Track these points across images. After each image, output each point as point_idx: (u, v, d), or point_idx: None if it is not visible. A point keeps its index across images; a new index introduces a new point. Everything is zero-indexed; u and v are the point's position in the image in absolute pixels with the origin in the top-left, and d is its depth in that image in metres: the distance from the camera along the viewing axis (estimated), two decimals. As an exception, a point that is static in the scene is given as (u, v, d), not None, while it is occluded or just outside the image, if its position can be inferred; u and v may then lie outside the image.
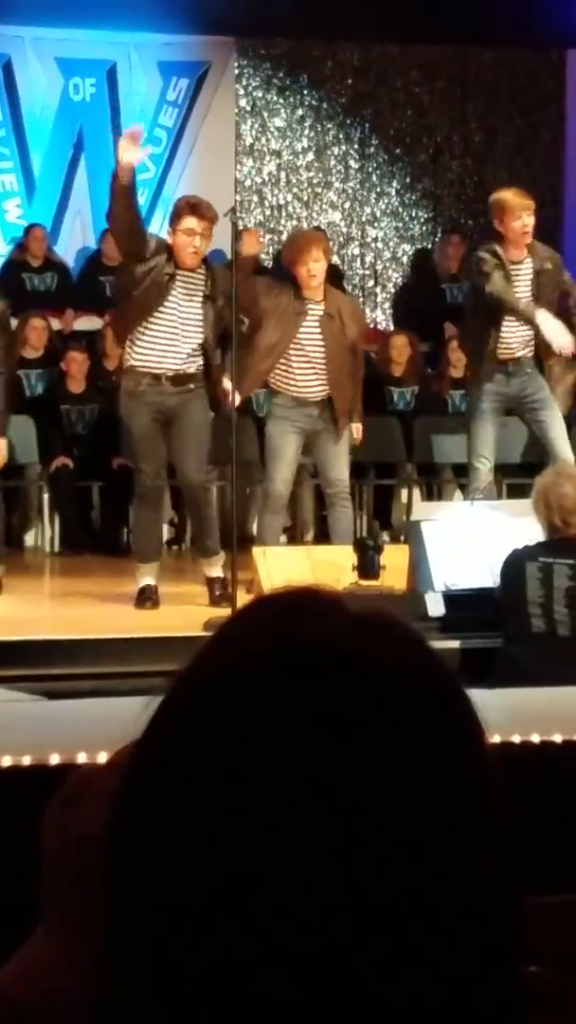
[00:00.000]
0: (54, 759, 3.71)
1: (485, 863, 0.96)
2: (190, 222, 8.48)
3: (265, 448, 9.23)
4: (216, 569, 8.81)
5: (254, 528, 10.91)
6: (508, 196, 9.32)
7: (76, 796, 1.18)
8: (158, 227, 14.30)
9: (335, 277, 13.60)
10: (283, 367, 9.00)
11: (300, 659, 0.96)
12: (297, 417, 8.98)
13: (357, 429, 9.21)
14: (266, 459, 9.27)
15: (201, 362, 8.66)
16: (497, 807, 0.98)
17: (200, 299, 8.58)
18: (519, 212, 9.15)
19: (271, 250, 14.73)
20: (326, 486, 9.27)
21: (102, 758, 3.48)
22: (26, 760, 3.75)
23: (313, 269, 8.94)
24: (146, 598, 8.73)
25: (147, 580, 8.78)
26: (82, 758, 3.66)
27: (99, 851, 0.98)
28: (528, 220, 9.16)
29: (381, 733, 0.94)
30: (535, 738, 3.92)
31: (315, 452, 9.22)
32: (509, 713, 3.97)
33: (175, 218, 8.59)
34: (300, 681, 0.95)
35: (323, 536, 10.10)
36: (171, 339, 8.56)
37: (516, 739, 3.86)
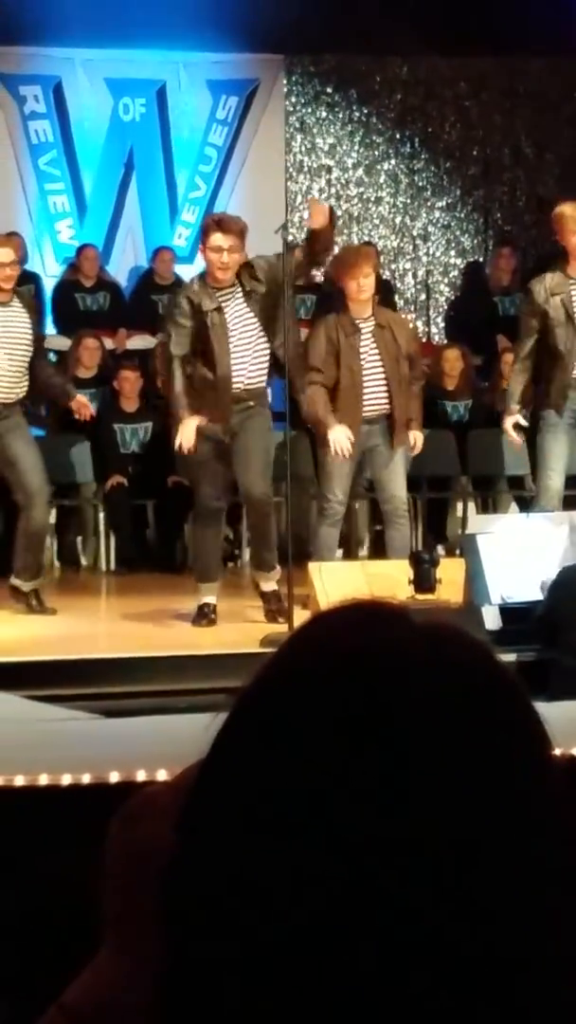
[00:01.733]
0: (113, 777, 3.70)
1: (546, 875, 0.95)
2: (216, 239, 8.55)
3: (321, 463, 9.23)
4: (271, 584, 8.82)
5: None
6: (567, 209, 9.24)
7: (139, 814, 1.18)
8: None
9: (386, 292, 13.61)
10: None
11: (366, 673, 0.95)
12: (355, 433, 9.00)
13: (417, 438, 9.18)
14: (321, 474, 9.28)
15: (264, 378, 8.68)
16: (560, 819, 0.97)
17: (245, 310, 8.60)
18: None
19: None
20: (383, 502, 9.24)
21: (161, 776, 3.48)
22: (85, 779, 3.74)
23: (363, 284, 8.99)
24: (204, 615, 8.75)
25: (208, 598, 8.80)
26: (141, 776, 3.66)
27: (161, 870, 0.98)
28: None
29: (450, 744, 0.93)
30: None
31: (372, 468, 9.21)
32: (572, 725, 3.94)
33: (203, 236, 8.72)
34: (367, 695, 0.94)
35: (377, 551, 10.08)
36: (230, 357, 8.59)
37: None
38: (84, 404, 9.52)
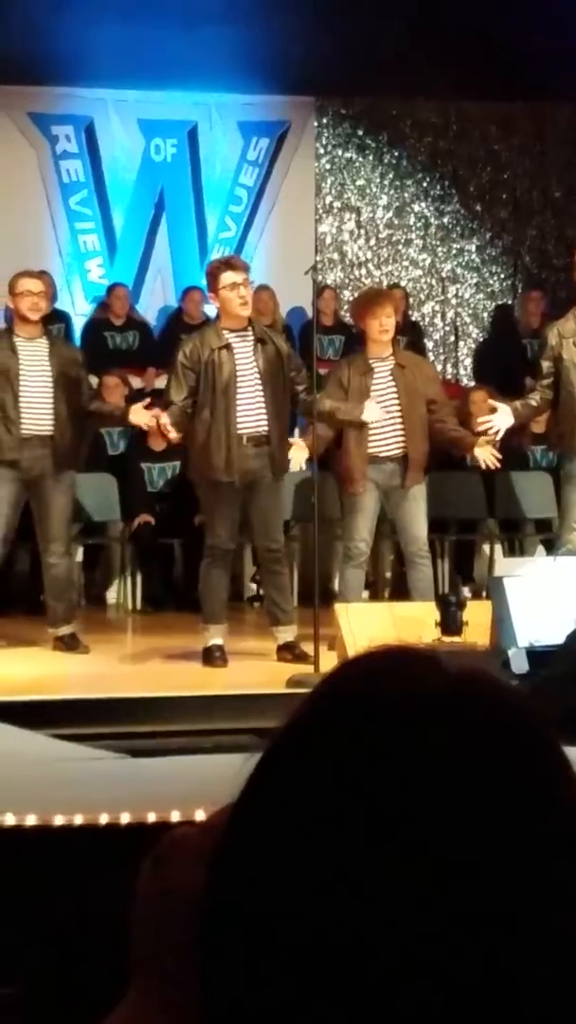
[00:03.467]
0: (140, 817, 3.70)
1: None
2: (230, 276, 8.64)
3: (344, 504, 9.23)
4: (288, 635, 8.84)
5: (335, 584, 10.91)
6: None
7: (170, 856, 1.17)
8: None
9: (415, 333, 13.62)
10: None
11: (399, 717, 0.95)
12: (374, 474, 8.99)
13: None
14: (345, 515, 9.27)
15: (272, 426, 8.71)
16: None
17: (254, 357, 8.65)
18: None
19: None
20: (405, 544, 9.23)
21: (189, 816, 3.47)
22: (108, 819, 3.74)
23: (385, 324, 9.01)
24: (215, 657, 8.75)
25: (216, 640, 8.79)
26: (168, 816, 3.66)
27: (193, 912, 0.97)
28: None
29: (482, 788, 0.93)
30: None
31: (392, 510, 9.20)
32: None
33: (213, 281, 8.74)
34: (400, 739, 0.94)
35: (402, 593, 10.06)
36: (245, 400, 8.63)
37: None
38: (150, 415, 9.07)
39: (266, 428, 8.65)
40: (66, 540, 9.44)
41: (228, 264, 8.76)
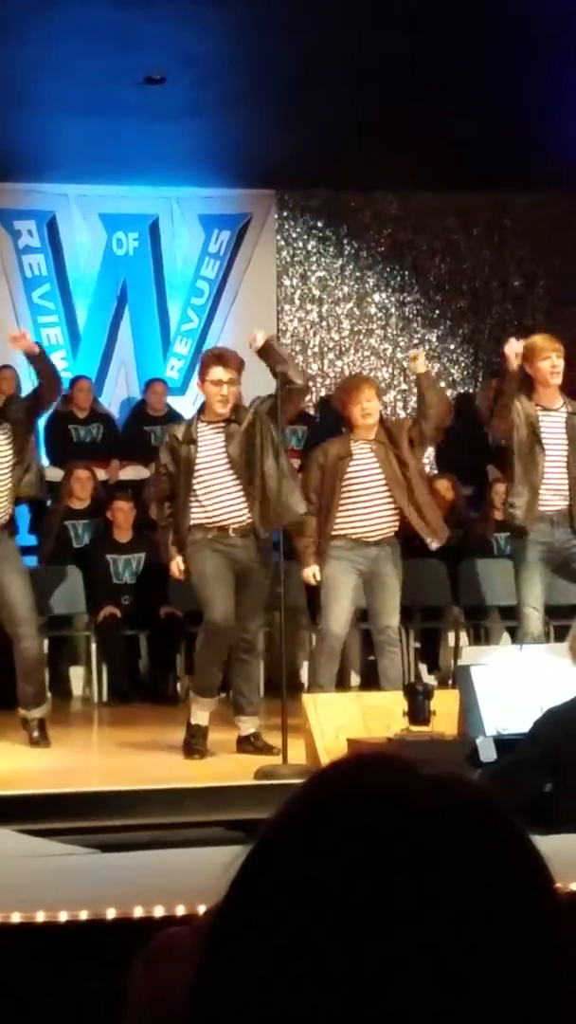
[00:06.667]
0: (111, 913, 3.68)
1: (554, 1005, 0.97)
2: (217, 372, 8.69)
3: (322, 589, 9.19)
4: (250, 727, 8.85)
5: (302, 675, 10.91)
6: (536, 339, 9.45)
7: (161, 956, 1.19)
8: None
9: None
10: (343, 511, 9.05)
11: (380, 824, 0.98)
12: (356, 558, 8.99)
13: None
14: (323, 600, 9.22)
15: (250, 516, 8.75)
16: (567, 950, 1.00)
17: (225, 449, 8.71)
18: (547, 353, 9.22)
19: (314, 397, 14.88)
20: (376, 632, 9.21)
21: (158, 911, 3.47)
22: (83, 915, 3.72)
23: (367, 408, 9.04)
24: (193, 749, 8.69)
25: (200, 719, 8.74)
26: (139, 912, 3.64)
27: (183, 1012, 0.99)
28: (557, 361, 9.21)
29: (456, 885, 0.96)
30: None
31: (368, 596, 9.19)
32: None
33: (203, 369, 8.84)
34: (382, 844, 0.97)
35: (369, 682, 10.05)
36: (223, 492, 8.66)
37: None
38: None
39: (248, 519, 8.67)
40: (33, 620, 9.36)
41: (219, 359, 8.80)
